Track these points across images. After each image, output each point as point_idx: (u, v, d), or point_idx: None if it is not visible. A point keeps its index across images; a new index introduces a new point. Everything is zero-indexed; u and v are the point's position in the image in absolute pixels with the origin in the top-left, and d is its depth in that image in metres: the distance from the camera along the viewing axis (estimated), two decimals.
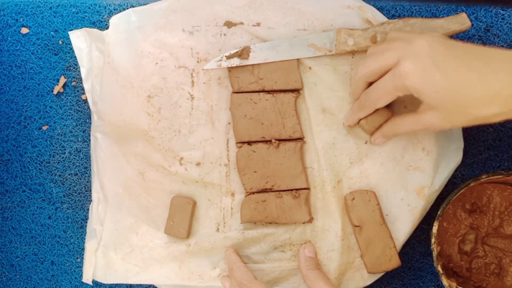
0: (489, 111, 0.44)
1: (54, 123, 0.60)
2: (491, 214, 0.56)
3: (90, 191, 0.60)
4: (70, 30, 0.58)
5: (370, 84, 0.51)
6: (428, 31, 0.52)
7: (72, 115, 0.60)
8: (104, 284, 0.60)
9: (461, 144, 0.55)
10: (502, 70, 0.43)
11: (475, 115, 0.44)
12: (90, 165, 0.60)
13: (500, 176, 0.52)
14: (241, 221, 0.55)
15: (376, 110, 0.52)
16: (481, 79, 0.43)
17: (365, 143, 0.55)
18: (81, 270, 0.60)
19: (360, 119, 0.53)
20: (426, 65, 0.44)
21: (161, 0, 0.56)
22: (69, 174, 0.60)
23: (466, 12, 0.52)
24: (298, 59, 0.55)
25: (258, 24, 0.55)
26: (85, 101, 0.60)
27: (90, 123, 0.59)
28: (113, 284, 0.60)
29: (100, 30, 0.58)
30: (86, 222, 0.60)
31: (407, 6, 0.57)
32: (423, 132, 0.54)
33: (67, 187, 0.60)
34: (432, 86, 0.44)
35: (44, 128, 0.60)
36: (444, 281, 0.52)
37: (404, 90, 0.46)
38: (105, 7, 0.59)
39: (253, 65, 0.55)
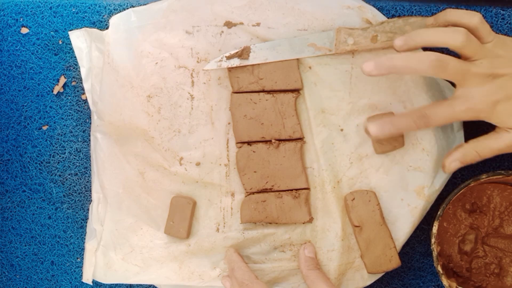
0: None
1: (54, 123, 0.60)
2: (491, 214, 0.56)
3: (90, 191, 0.60)
4: (70, 30, 0.58)
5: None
6: None
7: (72, 115, 0.60)
8: (104, 284, 0.60)
9: None
10: None
11: None
12: (90, 165, 0.60)
13: (500, 176, 0.52)
14: (241, 221, 0.55)
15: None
16: None
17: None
18: (81, 270, 0.60)
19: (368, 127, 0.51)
20: None
21: (161, 0, 0.56)
22: (69, 174, 0.60)
23: None
24: (298, 59, 0.55)
25: (258, 24, 0.55)
26: (85, 101, 0.60)
27: (90, 123, 0.59)
28: (113, 284, 0.60)
29: (100, 30, 0.58)
30: (86, 222, 0.60)
31: (407, 6, 0.57)
32: (422, 132, 0.54)
33: (67, 187, 0.60)
34: None
35: (44, 128, 0.60)
36: (444, 281, 0.52)
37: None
38: (105, 7, 0.59)
39: (253, 65, 0.54)
